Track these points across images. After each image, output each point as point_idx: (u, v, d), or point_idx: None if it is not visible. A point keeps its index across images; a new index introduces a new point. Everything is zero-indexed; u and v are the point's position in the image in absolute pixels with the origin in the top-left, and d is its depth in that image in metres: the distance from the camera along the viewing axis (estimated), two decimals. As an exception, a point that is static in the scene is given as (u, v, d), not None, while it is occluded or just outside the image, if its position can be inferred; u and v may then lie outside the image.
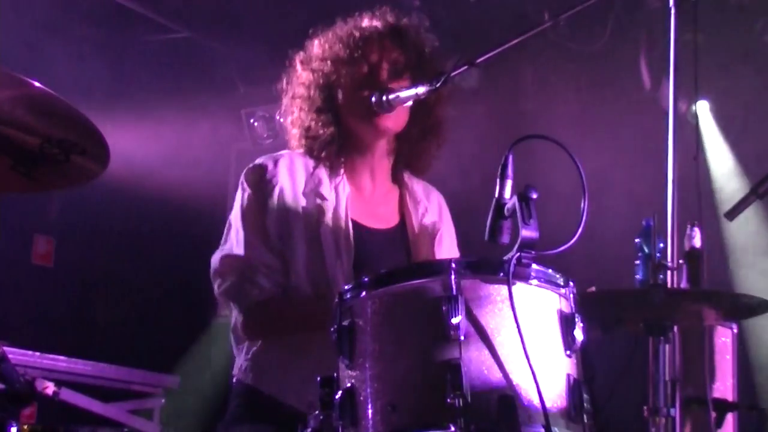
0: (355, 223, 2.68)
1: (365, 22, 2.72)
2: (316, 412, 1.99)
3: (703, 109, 5.73)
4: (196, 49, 5.96)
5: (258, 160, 2.74)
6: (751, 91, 5.61)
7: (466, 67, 2.51)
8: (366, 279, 1.95)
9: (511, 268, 1.86)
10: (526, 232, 1.89)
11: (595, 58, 5.64)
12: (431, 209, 2.84)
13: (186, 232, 6.07)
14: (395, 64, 2.67)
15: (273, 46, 5.28)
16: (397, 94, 2.57)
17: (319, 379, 1.98)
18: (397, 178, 2.83)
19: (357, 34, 2.68)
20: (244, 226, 2.64)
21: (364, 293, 1.94)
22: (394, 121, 2.66)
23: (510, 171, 2.04)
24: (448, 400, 1.79)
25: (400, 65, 2.68)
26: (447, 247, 2.82)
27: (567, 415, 1.86)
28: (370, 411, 1.87)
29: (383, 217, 2.77)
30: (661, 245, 2.44)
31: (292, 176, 2.69)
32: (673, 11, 2.58)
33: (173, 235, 6.22)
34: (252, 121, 6.20)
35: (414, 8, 5.22)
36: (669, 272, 2.42)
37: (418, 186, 2.86)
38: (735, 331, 3.26)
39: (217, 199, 6.10)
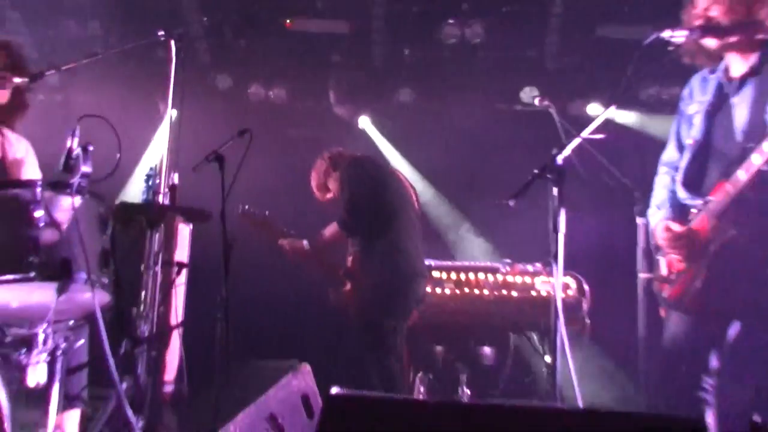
0: None
1: None
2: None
3: (368, 121, 8.02)
4: None
5: None
6: (411, 101, 7.75)
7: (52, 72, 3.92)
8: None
9: (73, 188, 3.35)
10: (85, 168, 3.38)
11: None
12: (16, 148, 4.15)
13: None
14: None
15: None
16: None
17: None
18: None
19: None
20: None
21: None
22: None
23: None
24: (30, 259, 3.23)
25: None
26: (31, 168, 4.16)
27: (100, 265, 3.42)
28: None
29: None
30: (157, 181, 4.13)
31: None
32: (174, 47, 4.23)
33: None
34: None
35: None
36: (161, 195, 4.13)
37: (12, 134, 4.16)
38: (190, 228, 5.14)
39: None
